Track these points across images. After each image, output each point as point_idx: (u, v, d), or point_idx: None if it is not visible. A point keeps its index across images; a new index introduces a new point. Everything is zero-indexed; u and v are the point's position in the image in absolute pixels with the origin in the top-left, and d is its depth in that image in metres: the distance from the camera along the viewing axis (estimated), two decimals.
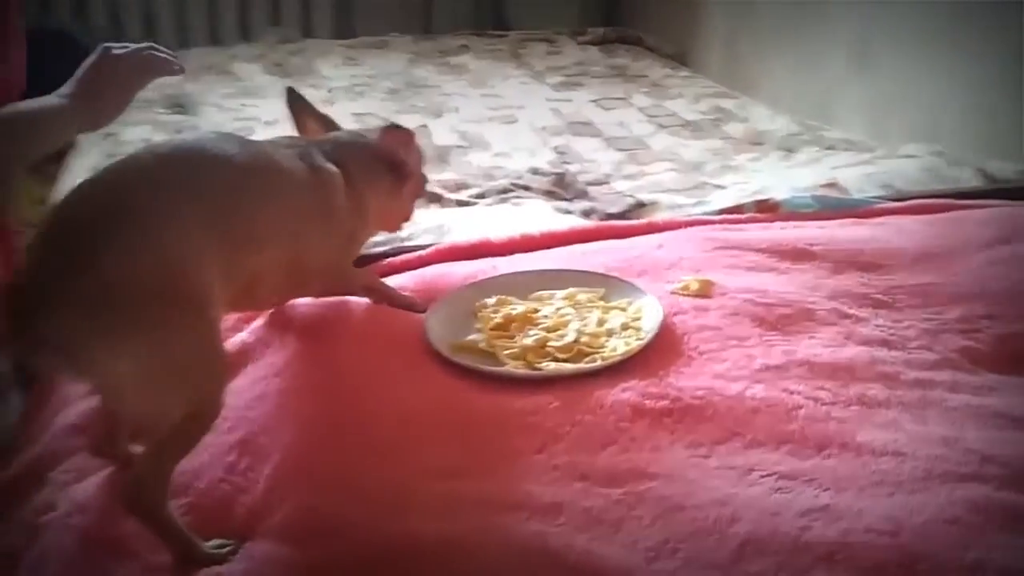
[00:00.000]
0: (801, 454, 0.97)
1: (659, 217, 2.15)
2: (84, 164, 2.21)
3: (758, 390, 1.08)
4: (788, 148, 2.45)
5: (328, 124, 1.32)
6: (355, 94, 2.92)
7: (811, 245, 1.45)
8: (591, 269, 1.36)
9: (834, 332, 1.22)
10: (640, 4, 3.81)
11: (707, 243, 1.45)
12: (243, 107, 2.80)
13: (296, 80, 2.89)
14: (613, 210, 2.14)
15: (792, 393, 1.07)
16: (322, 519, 0.93)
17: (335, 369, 1.15)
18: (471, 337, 1.21)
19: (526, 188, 2.18)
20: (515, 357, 1.16)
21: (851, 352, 1.18)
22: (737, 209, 1.64)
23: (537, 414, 1.07)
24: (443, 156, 2.39)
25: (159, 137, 2.38)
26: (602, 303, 1.27)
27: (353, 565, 0.89)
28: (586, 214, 2.09)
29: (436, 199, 2.07)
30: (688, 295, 1.29)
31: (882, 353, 1.18)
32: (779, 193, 1.74)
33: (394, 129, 1.30)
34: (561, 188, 2.20)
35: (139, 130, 2.47)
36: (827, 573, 0.83)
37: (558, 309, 1.24)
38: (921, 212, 1.61)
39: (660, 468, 0.98)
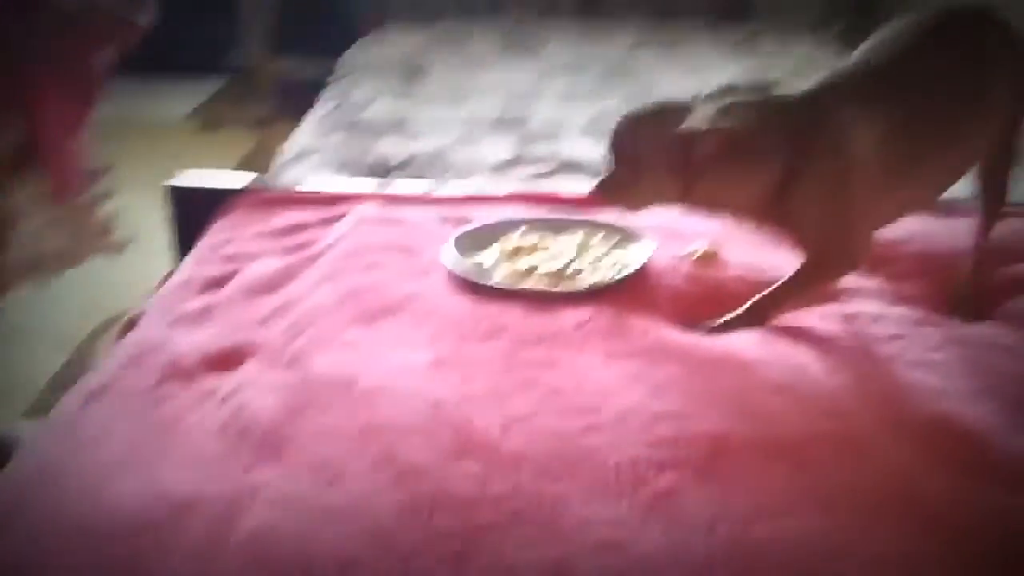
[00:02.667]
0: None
1: None
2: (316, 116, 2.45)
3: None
4: None
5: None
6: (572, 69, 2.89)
7: (900, 243, 1.41)
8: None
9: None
10: None
11: None
12: None
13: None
14: None
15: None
16: None
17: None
18: (479, 257, 1.36)
19: None
20: (506, 277, 1.30)
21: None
22: None
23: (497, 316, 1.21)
24: None
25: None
26: (606, 245, 1.38)
27: None
28: None
29: None
30: (694, 260, 1.37)
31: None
32: None
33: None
34: None
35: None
36: None
37: (566, 244, 1.37)
38: None
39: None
